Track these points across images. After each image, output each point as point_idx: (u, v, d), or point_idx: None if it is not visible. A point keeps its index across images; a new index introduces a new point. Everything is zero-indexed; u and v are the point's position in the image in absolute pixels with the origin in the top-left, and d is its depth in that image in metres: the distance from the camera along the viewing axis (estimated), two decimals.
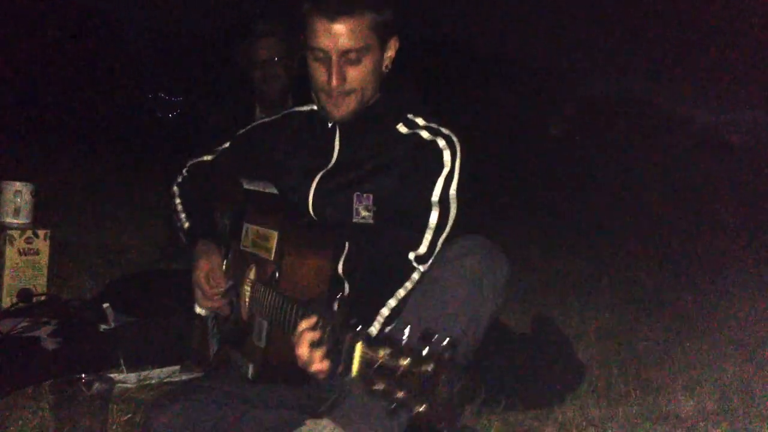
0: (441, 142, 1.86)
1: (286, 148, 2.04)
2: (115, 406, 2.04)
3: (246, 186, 2.02)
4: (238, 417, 1.72)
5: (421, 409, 1.17)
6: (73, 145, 10.38)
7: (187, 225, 2.12)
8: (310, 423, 1.63)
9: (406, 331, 1.24)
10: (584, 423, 2.39)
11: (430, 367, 1.17)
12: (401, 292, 1.76)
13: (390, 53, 1.89)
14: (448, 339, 1.19)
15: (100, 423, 1.86)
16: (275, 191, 2.01)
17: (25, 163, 6.71)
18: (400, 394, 1.18)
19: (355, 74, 1.82)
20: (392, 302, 1.75)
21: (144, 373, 2.33)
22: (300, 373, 1.70)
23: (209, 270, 1.97)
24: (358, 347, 1.30)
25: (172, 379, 2.35)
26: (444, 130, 1.90)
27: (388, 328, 1.75)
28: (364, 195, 1.89)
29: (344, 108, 1.86)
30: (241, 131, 2.17)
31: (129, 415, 2.04)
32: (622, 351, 3.35)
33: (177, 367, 2.40)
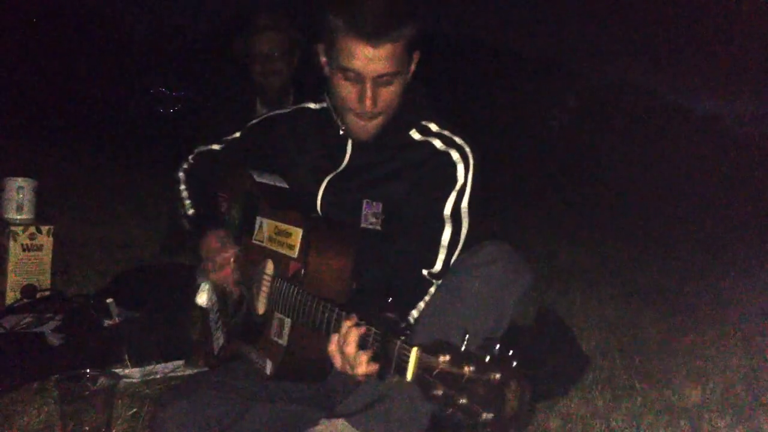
0: (455, 155, 1.84)
1: (298, 144, 2.00)
2: (120, 401, 2.05)
3: (257, 179, 1.99)
4: (244, 411, 1.71)
5: (488, 418, 1.14)
6: (75, 140, 10.37)
7: (192, 211, 2.10)
8: (323, 423, 1.61)
9: (466, 337, 1.22)
10: (589, 415, 2.40)
11: (497, 375, 1.15)
12: (421, 305, 1.76)
13: (413, 67, 1.83)
14: (512, 349, 1.17)
15: (105, 418, 1.86)
16: (286, 186, 1.99)
17: (28, 160, 6.70)
18: (463, 401, 1.16)
19: (385, 96, 1.76)
20: (415, 313, 1.75)
21: (149, 368, 2.34)
22: (321, 372, 1.70)
23: (219, 239, 1.93)
24: (414, 352, 1.28)
25: (177, 374, 2.35)
26: (457, 140, 1.86)
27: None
28: (374, 202, 1.87)
29: (371, 129, 1.82)
30: (253, 122, 2.12)
31: (134, 410, 2.04)
32: (626, 343, 3.35)
33: (182, 362, 2.40)
